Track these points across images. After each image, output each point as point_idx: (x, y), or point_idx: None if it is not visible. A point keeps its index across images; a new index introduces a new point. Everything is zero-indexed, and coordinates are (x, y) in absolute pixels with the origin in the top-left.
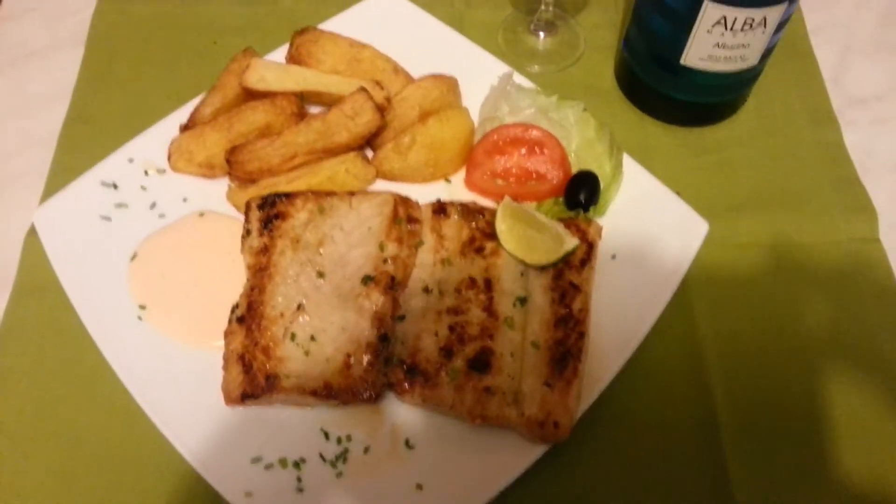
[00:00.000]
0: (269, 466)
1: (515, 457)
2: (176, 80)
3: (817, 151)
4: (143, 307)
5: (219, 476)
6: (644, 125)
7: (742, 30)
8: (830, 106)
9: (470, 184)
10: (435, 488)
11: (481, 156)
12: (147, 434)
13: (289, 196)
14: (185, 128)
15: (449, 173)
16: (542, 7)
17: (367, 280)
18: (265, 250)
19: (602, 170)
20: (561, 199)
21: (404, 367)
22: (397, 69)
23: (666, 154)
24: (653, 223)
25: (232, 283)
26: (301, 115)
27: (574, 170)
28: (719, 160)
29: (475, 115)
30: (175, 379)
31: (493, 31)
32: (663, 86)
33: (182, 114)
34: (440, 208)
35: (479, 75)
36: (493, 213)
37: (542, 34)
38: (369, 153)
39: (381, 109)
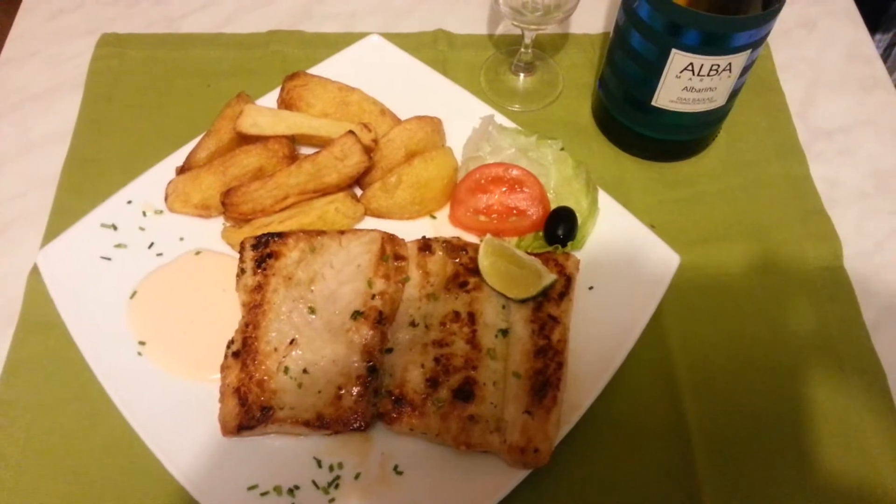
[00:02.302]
0: (264, 494)
1: (498, 480)
2: (171, 122)
3: (785, 184)
4: (142, 343)
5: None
6: (620, 160)
7: (709, 75)
8: (797, 139)
9: (454, 220)
10: None
11: (464, 193)
12: (147, 464)
13: (281, 236)
14: (181, 170)
15: (434, 210)
16: (522, 49)
17: (356, 315)
18: (259, 288)
19: (579, 205)
20: (541, 234)
21: (392, 397)
22: (384, 111)
23: (641, 188)
24: (627, 256)
25: (227, 320)
26: (293, 157)
27: (553, 206)
28: (692, 194)
29: (458, 154)
30: (174, 411)
31: (475, 72)
32: (637, 124)
33: (178, 157)
34: (425, 245)
35: (463, 115)
36: (475, 249)
37: (522, 74)
38: (358, 191)
39: (369, 151)
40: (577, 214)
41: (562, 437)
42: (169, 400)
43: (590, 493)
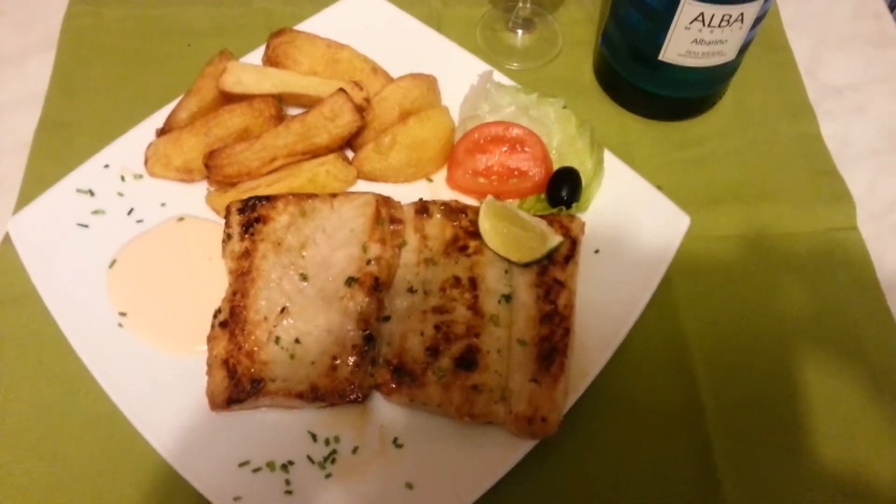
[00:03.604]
0: (256, 470)
1: (504, 452)
2: (150, 83)
3: (795, 143)
4: (123, 314)
5: (206, 481)
6: (624, 120)
7: (719, 26)
8: (807, 97)
9: (452, 183)
10: (425, 486)
11: (462, 154)
12: (132, 442)
13: (269, 199)
14: (161, 132)
15: (430, 173)
16: (520, 3)
17: (350, 281)
18: (247, 254)
19: (583, 166)
20: (543, 196)
21: (391, 367)
22: (376, 69)
23: (646, 148)
24: (635, 218)
25: (213, 288)
26: (280, 118)
27: (555, 166)
28: (699, 154)
29: (455, 114)
30: (158, 386)
31: (471, 29)
32: (642, 81)
33: (158, 118)
34: (423, 208)
35: (459, 74)
36: (475, 211)
37: (520, 31)
38: (350, 154)
39: (361, 110)
40: (582, 175)
41: (569, 406)
42: (153, 374)
43: (599, 468)
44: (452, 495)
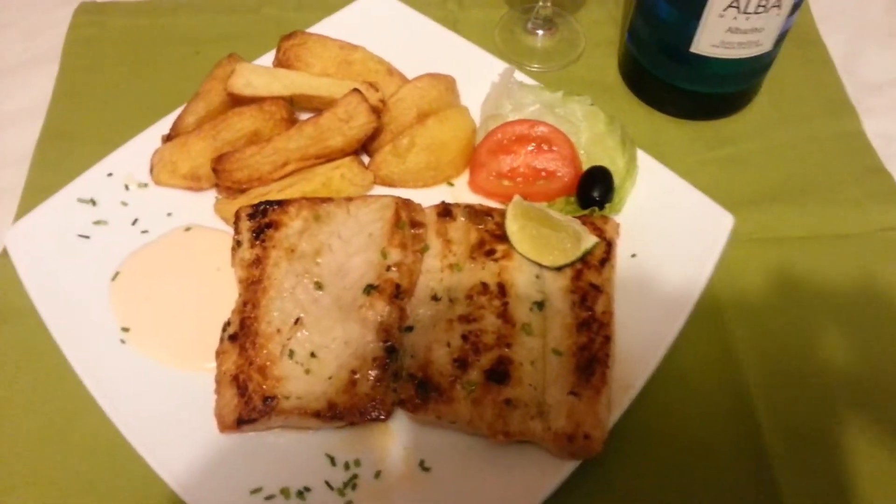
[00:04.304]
0: (270, 498)
1: (543, 475)
2: (157, 92)
3: (837, 141)
4: (126, 329)
5: None
6: (653, 120)
7: (756, 12)
8: (846, 94)
9: (474, 186)
10: None
11: (485, 156)
12: (134, 468)
13: (281, 204)
14: (167, 138)
15: (451, 176)
16: (540, 3)
17: (369, 289)
18: (258, 262)
19: (615, 165)
20: (573, 198)
21: (415, 381)
22: (391, 70)
23: (678, 148)
24: (673, 219)
25: (222, 300)
26: (291, 121)
27: (584, 167)
28: (735, 153)
29: (475, 115)
30: (163, 406)
31: (489, 32)
32: (673, 77)
33: (164, 125)
34: (445, 211)
35: (478, 74)
36: (502, 213)
37: (540, 32)
38: (365, 159)
39: (377, 112)
40: (613, 175)
41: (613, 422)
42: (157, 393)
43: (649, 494)
44: None
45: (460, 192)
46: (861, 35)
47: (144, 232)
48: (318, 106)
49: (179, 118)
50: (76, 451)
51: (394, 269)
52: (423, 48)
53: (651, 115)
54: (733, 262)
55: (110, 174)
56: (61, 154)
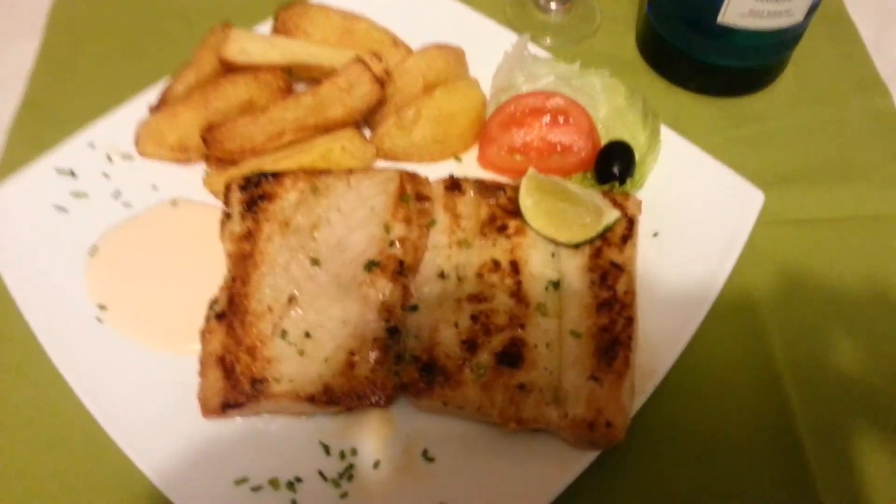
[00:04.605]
0: (256, 489)
1: (559, 466)
2: (145, 64)
3: (869, 119)
4: (102, 307)
5: (196, 503)
6: (674, 96)
7: None
8: (877, 72)
9: (484, 161)
10: None
11: (496, 129)
12: (108, 456)
13: (276, 175)
14: (154, 108)
15: (459, 151)
16: None
17: (371, 266)
18: (249, 236)
19: (635, 140)
20: (590, 174)
21: (420, 364)
22: (396, 41)
23: (701, 126)
24: (699, 196)
25: (209, 278)
26: (288, 92)
27: (603, 142)
28: (762, 131)
29: (486, 89)
30: (141, 390)
31: (499, 5)
32: (697, 50)
33: (151, 95)
34: (453, 184)
35: (487, 47)
36: (514, 188)
37: (553, 5)
38: (367, 134)
39: (380, 81)
40: (634, 150)
41: (636, 409)
42: (134, 376)
43: (669, 483)
44: None
45: (468, 168)
46: (892, 13)
47: (127, 205)
48: (318, 77)
49: (168, 87)
50: (45, 437)
51: (397, 244)
52: (429, 19)
53: (672, 92)
54: (761, 244)
55: (92, 144)
56: (41, 126)
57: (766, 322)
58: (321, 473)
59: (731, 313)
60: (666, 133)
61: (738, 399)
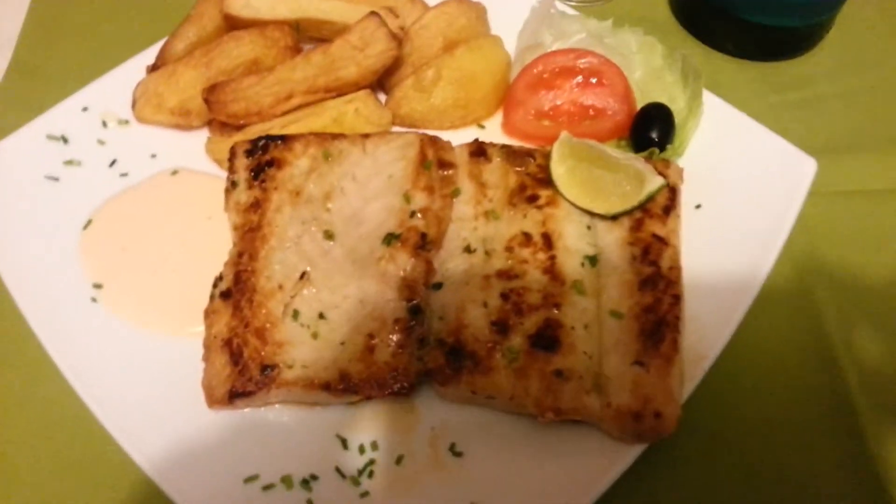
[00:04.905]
0: (268, 487)
1: (602, 462)
2: (141, 22)
3: None
4: (98, 286)
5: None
6: (711, 60)
7: None
8: None
9: (509, 128)
10: None
11: (522, 92)
12: (104, 451)
13: (286, 139)
14: (152, 68)
15: (482, 117)
16: None
17: (390, 239)
18: (256, 206)
19: (674, 103)
20: (624, 141)
21: (446, 348)
22: None
23: (741, 92)
24: (744, 165)
25: (213, 254)
26: (297, 50)
27: (638, 106)
28: (806, 97)
29: (510, 48)
30: (139, 377)
31: None
32: (736, 6)
33: (149, 55)
34: (479, 150)
35: (511, 2)
36: (545, 154)
37: None
38: (381, 99)
39: (397, 39)
40: (674, 114)
41: (685, 397)
42: (132, 361)
43: (721, 475)
44: None
45: (492, 135)
46: None
47: (124, 175)
48: (329, 35)
49: (167, 45)
50: (34, 428)
51: (418, 215)
52: None
53: (708, 56)
54: (812, 218)
55: (86, 109)
56: (30, 90)
57: (819, 301)
58: (339, 470)
59: (782, 292)
60: (707, 97)
61: (792, 384)
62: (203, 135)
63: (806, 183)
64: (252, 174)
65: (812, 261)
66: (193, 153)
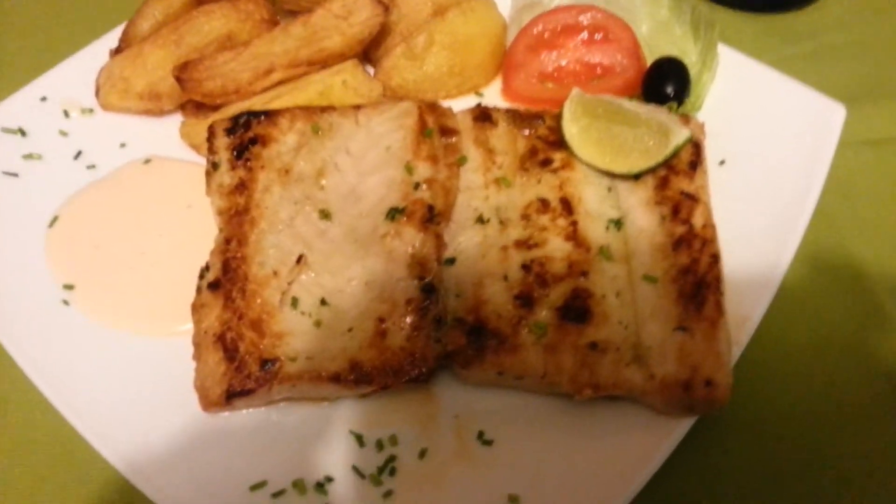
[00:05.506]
0: (278, 494)
1: (649, 440)
2: (102, 7)
3: None
4: (69, 287)
5: None
6: (715, 14)
7: None
8: None
9: (510, 93)
10: (537, 499)
11: (522, 54)
12: (87, 466)
13: (269, 114)
14: (116, 51)
15: (479, 85)
16: None
17: (393, 214)
18: (242, 187)
19: (686, 57)
20: (634, 99)
21: (466, 327)
22: None
23: (750, 45)
24: (767, 116)
25: (196, 244)
26: (273, 23)
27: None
28: (818, 48)
29: (504, 10)
30: (123, 384)
31: None
32: None
33: (111, 39)
34: (483, 115)
35: None
36: (555, 116)
37: None
38: (370, 71)
39: (383, 5)
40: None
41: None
42: (114, 368)
43: (771, 447)
44: None
45: (492, 103)
46: None
47: (91, 167)
48: (306, 6)
49: (130, 25)
50: (9, 446)
51: (423, 186)
52: None
53: (712, 10)
54: (839, 169)
55: (44, 98)
56: None
57: (857, 254)
58: (357, 469)
59: (819, 247)
60: (720, 49)
61: (840, 341)
62: (176, 119)
63: (836, 130)
64: (234, 154)
65: (844, 212)
66: (167, 140)
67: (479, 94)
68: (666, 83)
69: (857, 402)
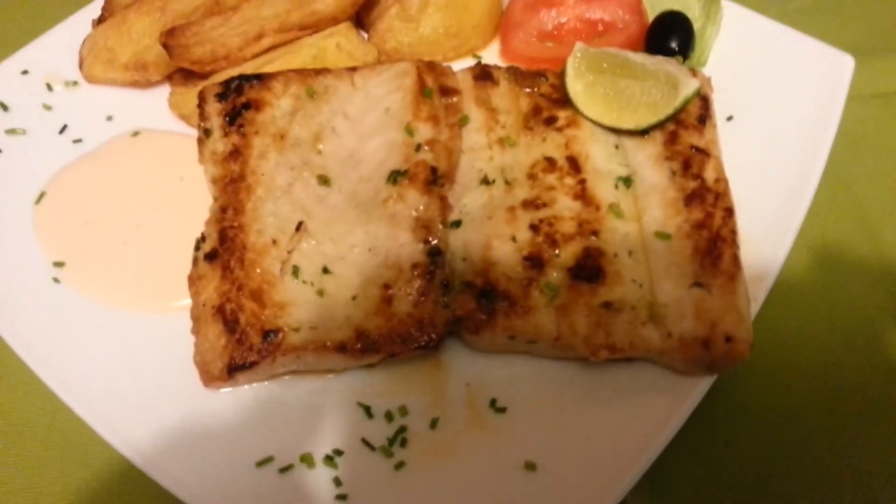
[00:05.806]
0: (286, 469)
1: (667, 400)
2: None
3: None
4: (59, 264)
5: (207, 497)
6: None
7: None
8: None
9: (509, 54)
10: (554, 465)
11: (521, 13)
12: (87, 447)
13: (262, 78)
14: (99, 21)
15: (477, 46)
16: None
17: (395, 177)
18: (236, 154)
19: (689, 10)
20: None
21: (475, 291)
22: None
23: (748, 1)
24: (774, 70)
25: (189, 216)
26: None
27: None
28: (822, 1)
29: None
30: (120, 362)
31: None
32: None
33: (94, 9)
34: (483, 73)
35: None
36: (557, 74)
37: None
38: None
39: None
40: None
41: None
42: (109, 346)
43: (791, 405)
44: (599, 475)
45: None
46: None
47: (77, 141)
48: None
49: None
50: (10, 431)
51: (425, 148)
52: None
53: None
54: (848, 122)
55: (26, 72)
56: None
57: (871, 209)
58: (366, 442)
59: (831, 202)
60: (723, 4)
61: (857, 293)
62: (164, 90)
63: (845, 82)
64: (227, 119)
65: (856, 167)
66: (155, 111)
67: (476, 56)
68: (670, 38)
69: (872, 346)
